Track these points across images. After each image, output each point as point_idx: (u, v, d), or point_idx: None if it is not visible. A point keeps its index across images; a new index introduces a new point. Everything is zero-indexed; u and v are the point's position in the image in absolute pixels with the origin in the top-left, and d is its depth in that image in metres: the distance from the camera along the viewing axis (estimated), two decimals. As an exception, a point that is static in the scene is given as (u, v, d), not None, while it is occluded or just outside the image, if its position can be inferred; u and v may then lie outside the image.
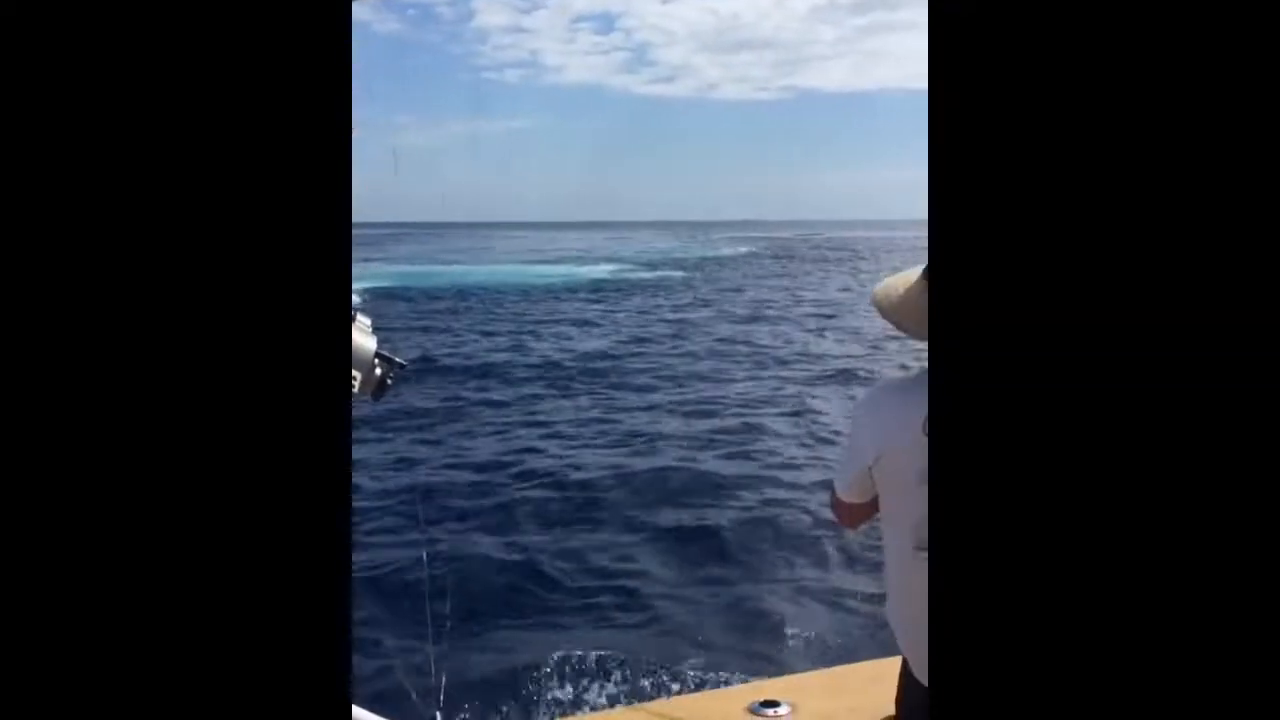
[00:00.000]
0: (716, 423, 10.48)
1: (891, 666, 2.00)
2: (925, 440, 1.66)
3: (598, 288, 32.49)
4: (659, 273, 41.89)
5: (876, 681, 2.19)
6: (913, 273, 1.83)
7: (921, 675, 1.80)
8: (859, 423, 1.84)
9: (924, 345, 1.82)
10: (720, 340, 17.59)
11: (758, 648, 5.13)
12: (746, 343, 17.37)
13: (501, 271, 42.26)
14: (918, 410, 1.69)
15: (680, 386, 12.69)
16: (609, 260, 53.45)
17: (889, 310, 1.78)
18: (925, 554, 1.70)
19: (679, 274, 40.49)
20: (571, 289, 31.96)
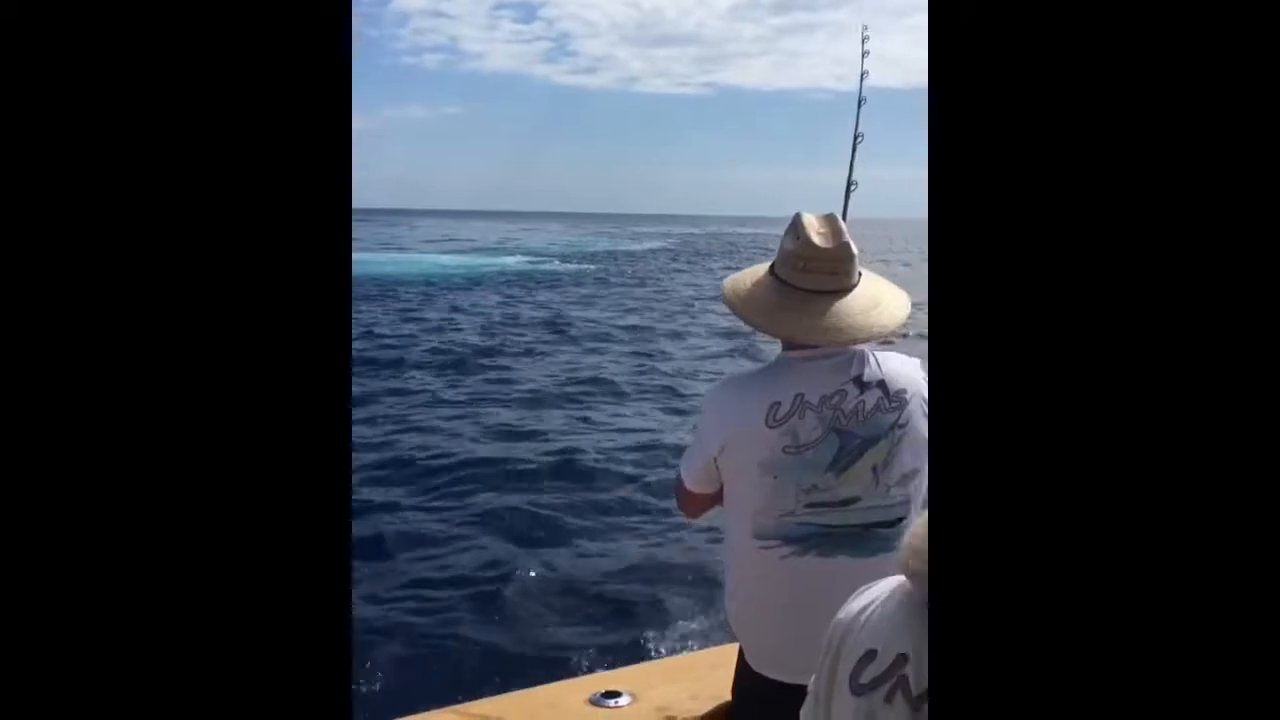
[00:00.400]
0: (572, 411, 10.60)
1: (732, 653, 2.01)
2: (768, 431, 1.69)
3: (505, 279, 31.97)
4: (566, 266, 41.41)
5: (717, 668, 2.22)
6: (759, 268, 1.85)
7: (755, 662, 1.81)
8: (706, 414, 1.86)
9: (770, 339, 1.85)
10: (599, 337, 17.59)
11: (598, 639, 5.08)
12: (629, 336, 17.52)
13: (409, 261, 41.12)
14: (761, 401, 1.72)
15: (556, 379, 12.75)
16: (522, 252, 52.51)
17: (735, 305, 1.80)
18: (764, 543, 1.73)
19: (590, 267, 40.07)
20: (476, 280, 31.39)
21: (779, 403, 1.71)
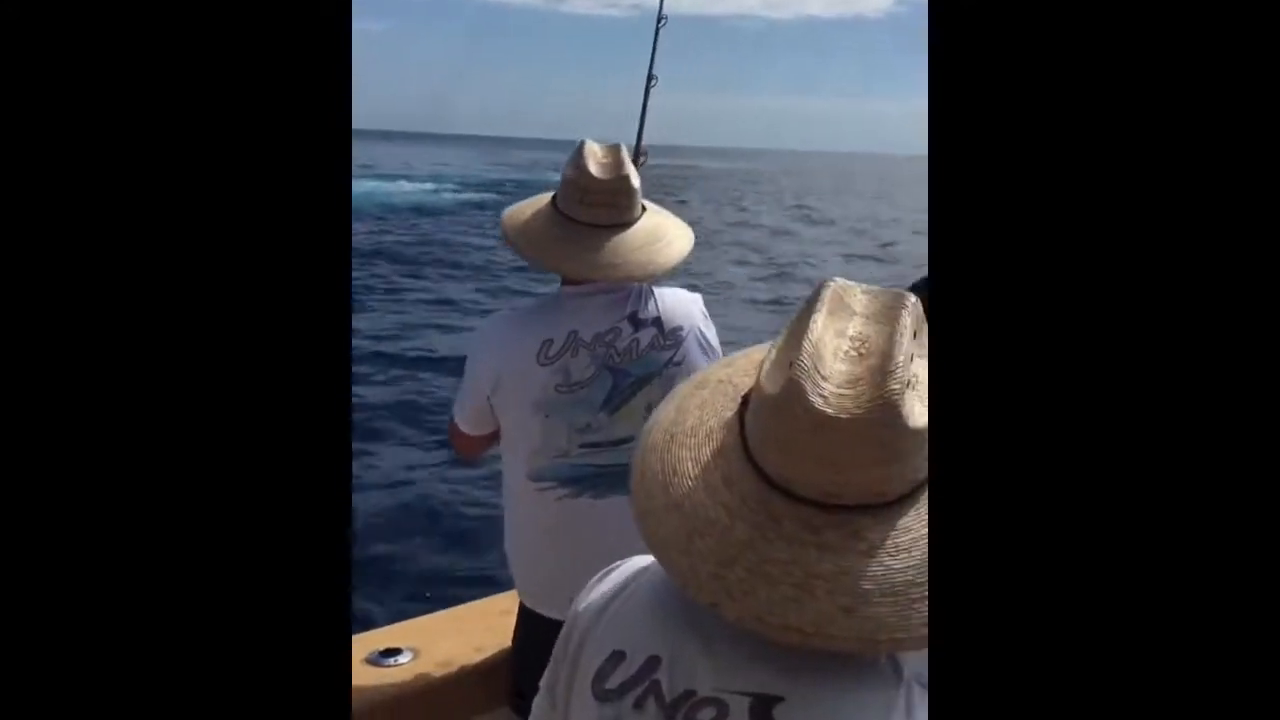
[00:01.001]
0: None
1: (514, 600, 1.93)
2: (539, 369, 1.65)
3: (392, 209, 28.32)
4: (464, 196, 37.33)
5: (507, 614, 2.09)
6: (542, 198, 1.80)
7: (532, 602, 1.79)
8: (476, 352, 1.79)
9: (545, 273, 1.73)
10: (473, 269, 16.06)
11: (372, 593, 4.64)
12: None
13: None
14: (533, 339, 1.68)
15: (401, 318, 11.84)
16: (428, 178, 47.63)
17: (510, 236, 1.75)
18: (539, 485, 1.70)
19: (491, 197, 35.60)
20: (369, 211, 27.32)
21: (551, 340, 1.67)
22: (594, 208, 1.68)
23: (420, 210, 29.78)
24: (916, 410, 0.72)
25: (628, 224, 1.71)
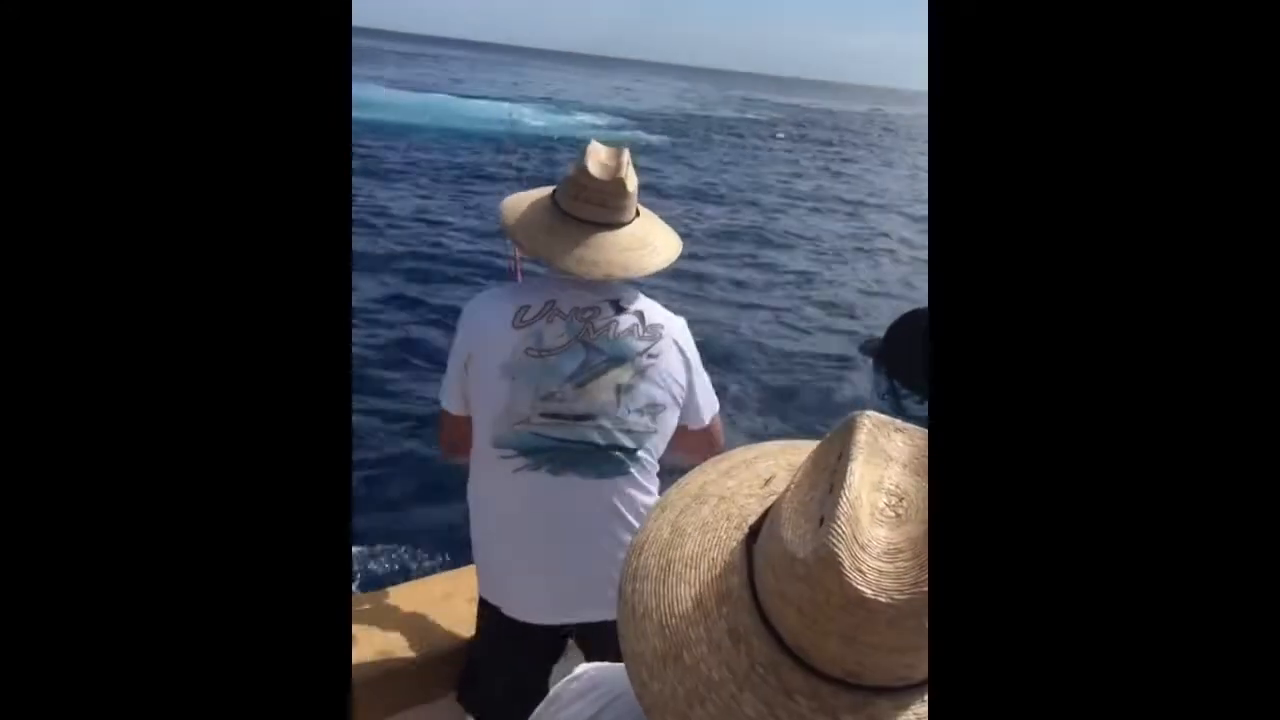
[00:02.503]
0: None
1: (468, 577, 1.89)
2: (513, 332, 1.68)
3: (519, 142, 23.03)
4: (624, 134, 32.15)
5: (451, 597, 2.03)
6: (546, 190, 1.84)
7: (486, 591, 1.79)
8: (459, 329, 1.82)
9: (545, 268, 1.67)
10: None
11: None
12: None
13: (430, 106, 32.97)
14: (510, 305, 1.71)
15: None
16: (582, 109, 43.17)
17: (507, 221, 1.79)
18: (501, 452, 1.72)
19: (655, 139, 31.87)
20: (488, 137, 23.14)
21: (529, 305, 1.71)
22: (587, 204, 1.73)
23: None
24: None
25: (617, 225, 1.74)
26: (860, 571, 0.62)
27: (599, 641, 1.79)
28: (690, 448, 1.84)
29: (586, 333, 1.68)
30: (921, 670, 0.66)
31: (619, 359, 1.69)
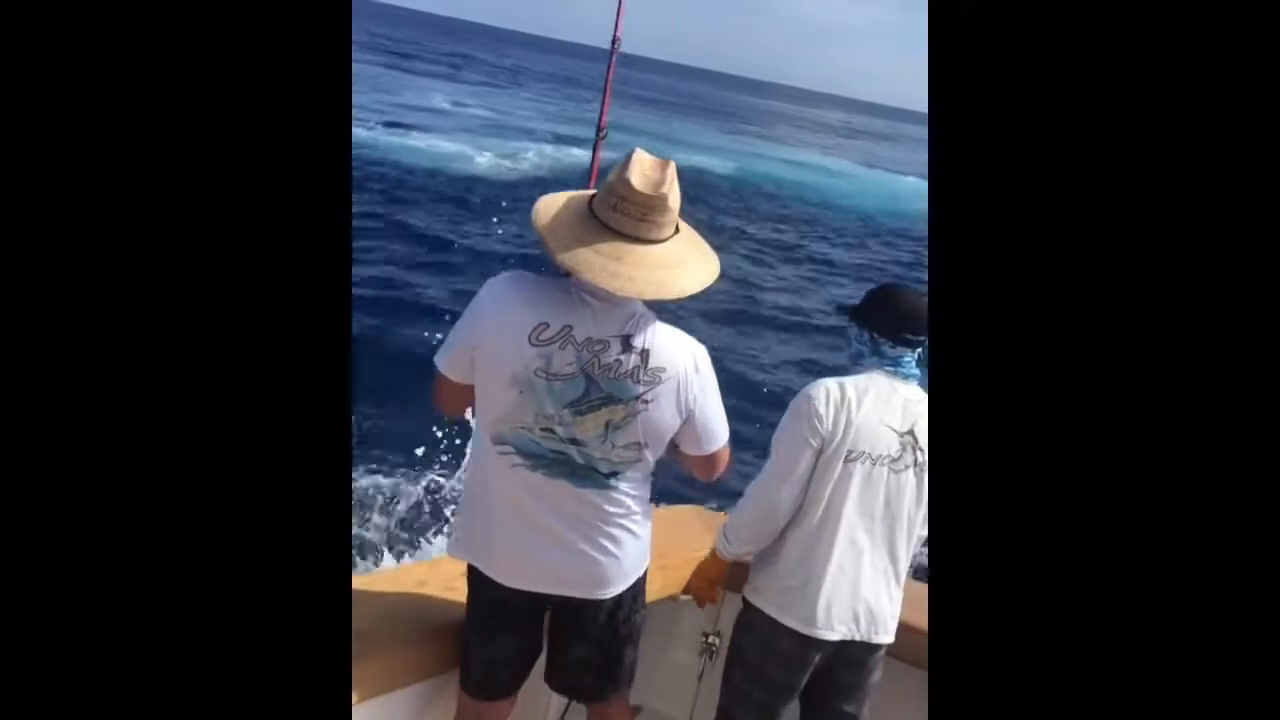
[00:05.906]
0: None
1: (450, 566, 1.90)
2: (528, 347, 1.68)
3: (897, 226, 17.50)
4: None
5: (423, 584, 2.04)
6: (585, 193, 1.79)
7: (487, 569, 1.80)
8: (480, 303, 1.79)
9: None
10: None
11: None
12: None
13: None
14: (532, 315, 1.68)
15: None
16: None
17: (538, 221, 1.74)
18: (501, 448, 1.73)
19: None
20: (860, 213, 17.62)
21: (547, 325, 1.69)
22: (625, 217, 1.68)
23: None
24: None
25: (655, 241, 1.72)
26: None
27: (576, 622, 1.83)
28: (692, 467, 1.87)
29: (592, 366, 1.69)
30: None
31: (614, 399, 1.70)
